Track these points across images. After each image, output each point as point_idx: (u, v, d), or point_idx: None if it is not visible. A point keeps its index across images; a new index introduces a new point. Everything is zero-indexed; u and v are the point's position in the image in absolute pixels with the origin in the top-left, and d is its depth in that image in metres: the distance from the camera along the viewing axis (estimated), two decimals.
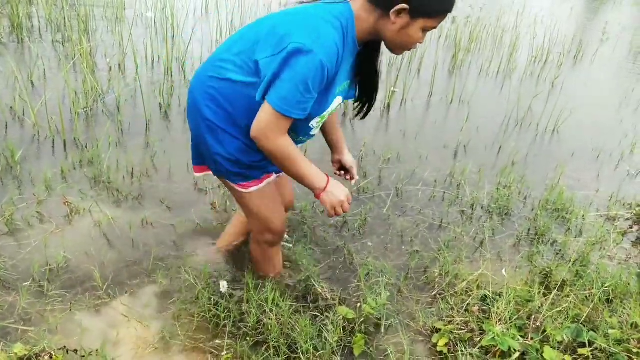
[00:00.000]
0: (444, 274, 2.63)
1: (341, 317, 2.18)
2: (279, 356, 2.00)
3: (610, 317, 2.33)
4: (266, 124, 1.67)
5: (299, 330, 2.08)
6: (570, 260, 2.89)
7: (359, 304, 2.28)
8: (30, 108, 3.61)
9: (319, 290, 2.38)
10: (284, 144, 1.72)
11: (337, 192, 1.87)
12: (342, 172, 2.26)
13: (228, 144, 1.86)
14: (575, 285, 2.56)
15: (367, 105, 2.00)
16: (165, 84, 4.52)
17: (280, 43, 1.62)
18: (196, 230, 2.75)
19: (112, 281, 2.31)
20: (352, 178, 2.24)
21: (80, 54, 4.61)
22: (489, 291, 2.46)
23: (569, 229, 3.25)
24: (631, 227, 3.36)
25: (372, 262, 2.63)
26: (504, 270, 2.49)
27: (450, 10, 1.70)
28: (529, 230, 3.18)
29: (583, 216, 3.39)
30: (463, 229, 3.09)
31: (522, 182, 3.72)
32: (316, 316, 2.22)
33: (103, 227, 2.66)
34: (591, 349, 2.08)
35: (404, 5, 1.62)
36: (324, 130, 2.22)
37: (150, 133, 3.69)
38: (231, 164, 1.91)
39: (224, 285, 2.30)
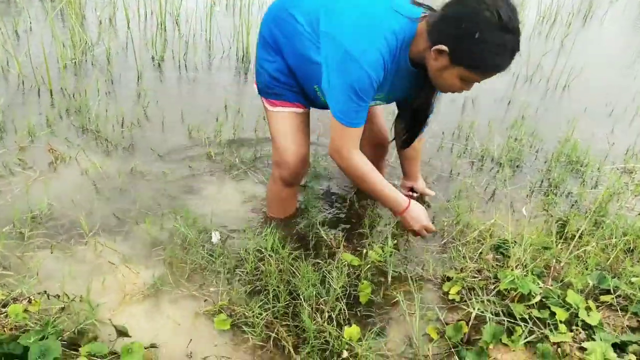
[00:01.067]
0: (454, 223, 2.47)
1: (345, 263, 2.03)
2: (279, 302, 1.85)
3: (632, 265, 2.18)
4: (337, 140, 1.82)
5: (300, 276, 1.92)
6: (587, 211, 2.73)
7: (364, 250, 2.12)
8: (14, 58, 3.40)
9: (323, 235, 2.22)
10: (356, 164, 1.85)
11: (418, 215, 1.98)
12: (412, 194, 2.32)
13: (271, 63, 1.98)
14: (594, 234, 2.40)
15: (411, 135, 2.09)
16: (159, 38, 4.29)
17: (335, 34, 1.70)
18: (189, 179, 2.58)
19: (99, 228, 2.15)
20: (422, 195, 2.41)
21: (68, 6, 4.38)
22: (503, 240, 2.30)
23: (584, 181, 3.08)
24: None
25: (378, 211, 2.47)
26: (524, 209, 2.33)
27: (497, 71, 1.60)
28: (542, 181, 3.00)
29: (598, 168, 3.21)
30: (473, 179, 2.92)
31: (533, 135, 3.53)
32: (318, 263, 2.06)
33: (90, 175, 2.49)
34: (614, 295, 1.92)
35: (444, 47, 1.57)
36: (402, 154, 2.37)
37: (142, 84, 3.49)
38: (270, 78, 2.00)
39: (215, 236, 2.14)
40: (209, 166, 2.70)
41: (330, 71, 1.72)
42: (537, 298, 1.69)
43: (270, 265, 1.95)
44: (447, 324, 1.88)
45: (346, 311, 1.87)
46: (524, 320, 1.69)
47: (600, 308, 1.90)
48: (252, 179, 2.65)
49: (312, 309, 1.81)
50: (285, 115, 2.05)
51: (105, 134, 2.83)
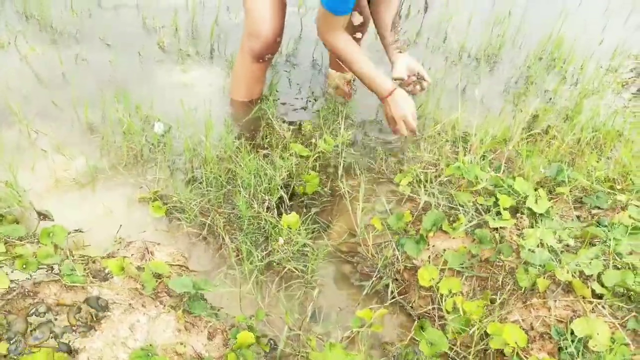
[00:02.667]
0: (417, 117, 2.34)
1: (293, 153, 1.93)
2: (218, 189, 1.77)
3: (598, 161, 2.08)
4: (324, 25, 1.84)
5: (242, 165, 1.83)
6: (561, 107, 2.60)
7: (313, 140, 2.02)
8: None
9: (275, 126, 2.10)
10: (342, 47, 1.86)
11: (402, 103, 1.86)
12: (410, 79, 2.00)
13: None
14: (562, 130, 2.28)
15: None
16: None
17: None
18: (137, 68, 2.43)
19: (34, 115, 2.02)
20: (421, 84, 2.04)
21: None
22: (465, 133, 2.19)
23: (564, 78, 2.91)
24: (633, 78, 3.02)
25: (337, 104, 2.33)
26: (476, 91, 2.19)
27: None
28: (518, 79, 2.84)
29: (582, 67, 3.03)
30: (446, 75, 2.75)
31: (518, 31, 3.30)
32: (267, 156, 1.96)
33: (30, 61, 2.33)
34: (571, 187, 1.84)
35: None
36: (377, 27, 2.08)
37: None
38: None
39: (159, 126, 2.02)
40: (159, 56, 2.53)
41: None
42: (482, 184, 1.60)
43: (210, 153, 1.84)
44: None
45: (287, 200, 1.80)
46: (466, 209, 1.62)
47: (555, 200, 1.82)
48: (206, 70, 2.49)
49: (250, 195, 1.74)
50: None
51: (50, 20, 2.63)
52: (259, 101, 2.24)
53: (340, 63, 1.96)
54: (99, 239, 1.61)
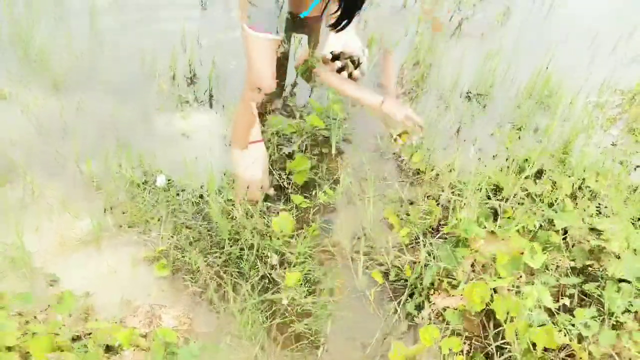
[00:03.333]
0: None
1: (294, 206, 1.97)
2: (222, 248, 1.80)
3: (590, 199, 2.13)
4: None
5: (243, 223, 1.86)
6: (552, 148, 2.66)
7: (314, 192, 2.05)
8: None
9: (275, 176, 2.13)
10: (323, 76, 1.74)
11: (397, 105, 1.75)
12: (339, 63, 1.77)
13: None
14: (554, 172, 2.34)
15: (346, 15, 1.54)
16: None
17: None
18: (139, 116, 2.46)
19: (37, 170, 2.05)
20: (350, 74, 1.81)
21: None
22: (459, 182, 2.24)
23: (555, 115, 2.98)
24: (620, 114, 3.10)
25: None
26: (472, 148, 2.15)
27: None
28: (511, 117, 2.91)
29: (571, 102, 3.11)
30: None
31: (509, 68, 3.37)
32: (268, 208, 2.00)
33: (31, 111, 2.36)
34: (565, 235, 1.89)
35: None
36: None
37: (97, 10, 3.24)
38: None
39: (161, 179, 2.05)
40: (159, 102, 2.57)
41: None
42: (480, 243, 1.65)
43: (211, 209, 1.88)
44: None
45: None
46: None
47: (549, 249, 1.88)
48: (205, 117, 2.53)
49: (254, 255, 1.77)
50: (260, 41, 1.80)
51: (49, 64, 2.66)
52: None
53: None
54: (105, 300, 1.64)
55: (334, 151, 1.85)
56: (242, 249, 1.75)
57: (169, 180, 2.09)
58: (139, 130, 2.37)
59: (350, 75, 1.70)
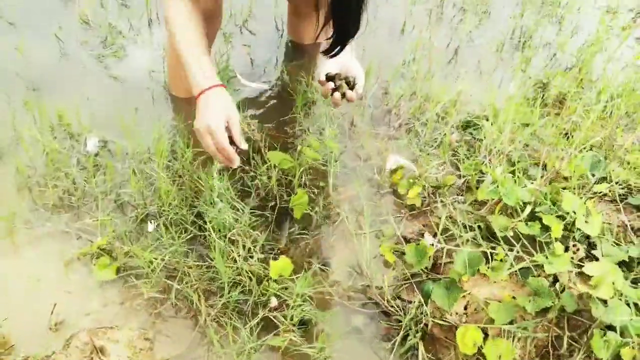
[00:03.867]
0: (409, 94, 1.94)
1: (272, 167, 1.52)
2: (179, 234, 1.36)
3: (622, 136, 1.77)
4: None
5: (205, 187, 1.41)
6: (568, 67, 2.26)
7: (298, 147, 1.61)
8: None
9: (244, 129, 1.67)
10: (170, 17, 1.31)
11: (212, 108, 1.21)
12: (331, 84, 1.37)
13: None
14: (580, 99, 1.95)
15: (334, 44, 1.30)
16: None
17: None
18: (55, 56, 1.88)
19: None
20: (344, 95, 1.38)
21: None
22: (471, 115, 1.83)
23: (562, 26, 2.55)
24: (634, 19, 2.69)
25: (313, 87, 1.89)
26: (511, 85, 1.81)
27: None
28: (513, 31, 2.45)
29: (579, 9, 2.67)
30: (431, 32, 2.33)
31: None
32: (237, 172, 1.55)
33: None
34: (610, 184, 1.53)
35: None
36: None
37: None
38: None
39: (92, 142, 1.55)
40: (82, 35, 1.98)
41: None
42: (527, 210, 1.26)
43: (163, 181, 1.41)
44: (406, 239, 1.46)
45: (264, 237, 1.41)
46: (506, 240, 1.28)
47: (592, 200, 1.51)
48: (144, 52, 1.97)
49: (226, 241, 1.33)
50: None
51: None
52: None
53: None
54: (25, 329, 1.19)
55: (331, 186, 1.58)
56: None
57: (103, 143, 1.58)
58: (56, 75, 1.81)
59: (343, 95, 1.38)
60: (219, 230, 1.35)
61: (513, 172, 1.51)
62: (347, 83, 1.39)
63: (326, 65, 1.41)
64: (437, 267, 1.36)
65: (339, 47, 1.31)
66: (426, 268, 1.32)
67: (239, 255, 1.31)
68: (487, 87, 2.05)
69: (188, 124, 1.68)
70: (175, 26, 1.31)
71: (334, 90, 1.38)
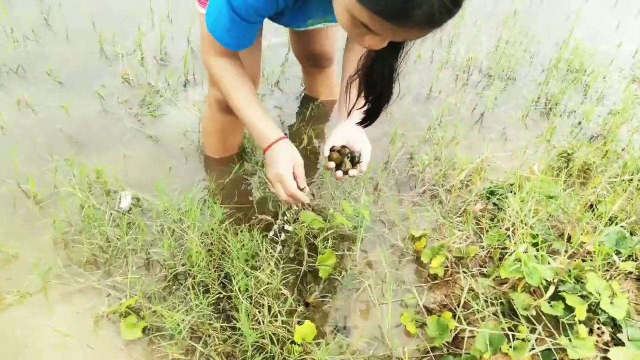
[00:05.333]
0: (434, 160, 1.98)
1: (303, 226, 1.56)
2: (207, 293, 1.39)
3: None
4: (203, 43, 1.37)
5: (234, 251, 1.45)
6: (593, 137, 2.28)
7: (330, 210, 1.65)
8: None
9: (272, 191, 1.72)
10: (216, 66, 1.37)
11: (279, 157, 1.32)
12: (333, 163, 1.42)
13: None
14: (605, 170, 1.96)
15: (372, 112, 1.34)
16: None
17: None
18: (96, 115, 1.99)
19: None
20: (346, 172, 1.42)
21: None
22: (495, 185, 1.85)
23: (587, 94, 2.58)
24: None
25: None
26: (535, 166, 1.84)
27: (393, 20, 0.93)
28: (538, 98, 2.50)
29: (604, 77, 2.71)
30: (458, 98, 2.39)
31: (528, 36, 2.95)
32: (266, 230, 1.59)
33: None
34: (637, 262, 1.52)
35: None
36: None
37: None
38: None
39: (126, 200, 1.62)
40: (124, 94, 2.09)
41: None
42: (551, 291, 1.26)
43: (193, 242, 1.46)
44: (428, 309, 1.46)
45: (293, 299, 1.43)
46: (528, 319, 1.28)
47: (617, 278, 1.50)
48: (179, 112, 2.07)
49: (251, 302, 1.36)
50: None
51: None
52: (239, 156, 1.87)
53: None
54: None
55: (357, 252, 1.61)
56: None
57: (135, 200, 1.65)
58: (96, 132, 1.91)
59: (346, 172, 1.42)
60: (246, 290, 1.38)
61: (536, 244, 1.52)
62: (352, 158, 1.41)
63: (333, 138, 1.45)
64: (458, 340, 1.36)
65: (372, 117, 1.35)
66: (447, 342, 1.32)
67: (264, 317, 1.33)
68: (511, 155, 2.07)
69: (219, 184, 1.76)
70: (229, 87, 1.38)
71: (338, 167, 1.41)
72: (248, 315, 1.32)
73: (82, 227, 1.54)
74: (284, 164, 1.31)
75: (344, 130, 1.45)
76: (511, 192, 1.75)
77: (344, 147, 1.44)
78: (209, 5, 1.28)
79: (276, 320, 1.35)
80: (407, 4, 0.88)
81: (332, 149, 1.43)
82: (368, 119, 1.37)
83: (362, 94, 1.32)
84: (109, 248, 1.51)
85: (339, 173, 1.41)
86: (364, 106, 1.34)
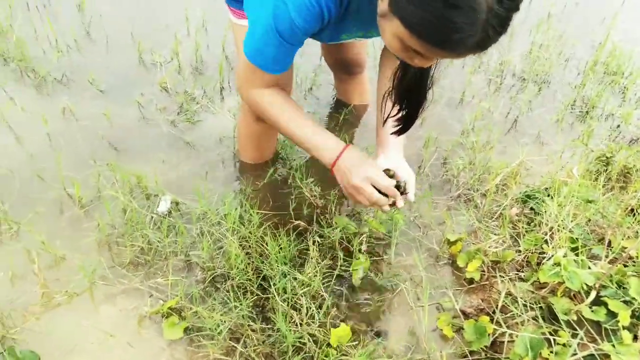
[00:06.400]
0: (468, 165, 1.97)
1: (338, 230, 1.58)
2: (245, 294, 1.42)
3: None
4: (241, 76, 1.40)
5: (272, 254, 1.48)
6: (633, 140, 2.23)
7: (364, 217, 1.66)
8: None
9: (305, 193, 1.75)
10: (261, 106, 1.40)
11: (355, 168, 1.32)
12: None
13: None
14: None
15: (405, 122, 1.37)
16: None
17: None
18: (136, 121, 2.05)
19: (15, 199, 1.66)
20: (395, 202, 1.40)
21: None
22: (532, 189, 1.83)
23: (625, 97, 2.53)
24: None
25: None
26: (575, 170, 1.82)
27: (441, 46, 0.96)
28: (574, 101, 2.46)
29: None
30: (491, 103, 2.38)
31: (562, 39, 2.92)
32: (301, 234, 1.62)
33: (8, 121, 1.96)
34: None
35: None
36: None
37: None
38: None
39: (164, 204, 1.66)
40: (162, 101, 2.15)
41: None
42: (592, 296, 1.25)
43: (232, 245, 1.49)
44: (464, 314, 1.46)
45: (329, 301, 1.44)
46: (569, 324, 1.26)
47: None
48: (215, 119, 2.11)
49: (289, 304, 1.38)
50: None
51: (32, 62, 2.25)
52: (273, 161, 1.91)
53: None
54: None
55: (392, 256, 1.62)
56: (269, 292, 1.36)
57: (174, 204, 1.70)
58: (136, 138, 1.96)
59: (393, 204, 1.39)
60: (284, 292, 1.40)
61: (575, 249, 1.50)
62: (397, 187, 1.37)
63: (379, 163, 1.43)
64: (496, 345, 1.35)
65: (407, 124, 1.37)
66: (485, 346, 1.31)
67: (302, 320, 1.35)
68: (547, 159, 2.05)
69: (255, 189, 1.79)
70: (272, 114, 1.40)
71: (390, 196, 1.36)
72: (285, 316, 1.34)
73: (124, 230, 1.59)
74: (356, 175, 1.31)
75: (387, 161, 1.44)
76: (548, 196, 1.73)
77: (387, 170, 1.40)
78: (247, 38, 1.30)
79: (313, 322, 1.36)
80: (462, 34, 0.90)
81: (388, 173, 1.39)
82: (403, 127, 1.38)
83: (397, 103, 1.33)
84: (150, 250, 1.55)
85: (386, 208, 1.37)
86: (397, 113, 1.35)
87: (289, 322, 1.35)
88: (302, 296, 1.40)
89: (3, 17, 2.46)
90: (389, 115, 1.38)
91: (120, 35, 2.50)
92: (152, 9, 2.75)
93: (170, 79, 2.26)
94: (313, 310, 1.38)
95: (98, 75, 2.23)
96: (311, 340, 1.33)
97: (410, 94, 1.30)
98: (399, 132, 1.39)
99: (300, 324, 1.35)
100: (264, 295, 1.44)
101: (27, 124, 1.95)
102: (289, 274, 1.44)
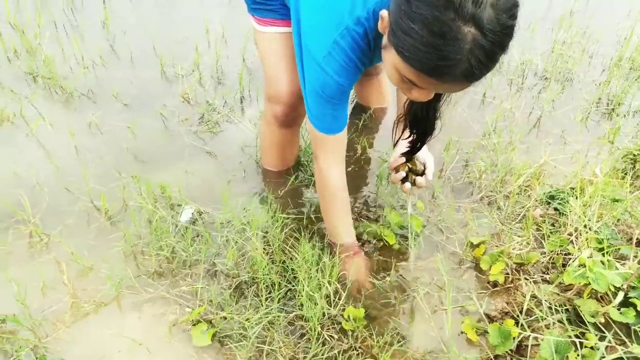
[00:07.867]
0: (490, 166, 1.95)
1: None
2: (271, 298, 1.44)
3: None
4: (315, 146, 1.46)
5: (298, 260, 1.49)
6: None
7: (380, 217, 1.67)
8: None
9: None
10: (330, 183, 1.48)
11: (360, 269, 1.54)
12: (402, 173, 1.53)
13: None
14: None
15: (412, 147, 1.48)
16: None
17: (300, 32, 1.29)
18: (160, 133, 2.10)
19: (45, 214, 1.71)
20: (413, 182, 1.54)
21: None
22: (555, 190, 1.80)
23: None
24: None
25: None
26: (597, 169, 1.79)
27: (436, 77, 1.01)
28: (599, 99, 2.41)
29: None
30: (512, 103, 2.35)
31: (585, 35, 2.87)
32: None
33: (37, 135, 2.02)
34: None
35: (385, 13, 1.08)
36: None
37: (109, 11, 2.89)
38: None
39: (187, 214, 1.69)
40: (184, 113, 2.19)
41: (299, 51, 1.33)
42: (620, 297, 1.22)
43: (256, 250, 1.51)
44: (489, 317, 1.44)
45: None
46: (597, 327, 1.24)
47: None
48: (236, 128, 2.15)
49: (317, 317, 1.39)
50: (277, 37, 1.57)
51: (58, 79, 2.32)
52: (295, 168, 1.93)
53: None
54: None
55: (412, 261, 1.63)
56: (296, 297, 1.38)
57: (198, 213, 1.73)
58: (159, 150, 2.01)
59: (413, 183, 1.53)
60: (310, 296, 1.41)
61: (602, 250, 1.47)
62: (415, 169, 1.50)
63: (398, 150, 1.53)
64: (522, 349, 1.33)
65: (416, 149, 1.47)
66: (510, 350, 1.30)
67: (323, 307, 1.36)
68: (571, 159, 2.02)
69: (277, 195, 1.81)
70: (333, 194, 1.50)
71: (404, 179, 1.51)
72: (314, 332, 1.35)
73: (149, 240, 1.62)
74: (364, 276, 1.54)
75: (407, 144, 1.50)
76: (573, 196, 1.70)
77: (406, 163, 1.53)
78: (307, 106, 1.38)
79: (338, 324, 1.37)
80: (447, 62, 0.95)
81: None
82: (411, 151, 1.47)
83: (407, 129, 1.42)
84: (174, 259, 1.58)
85: (407, 186, 1.51)
86: (409, 137, 1.44)
87: (314, 305, 1.37)
88: (321, 298, 1.41)
89: (32, 36, 2.54)
90: (400, 137, 1.48)
91: (143, 50, 2.56)
92: (173, 23, 2.81)
93: (191, 91, 2.30)
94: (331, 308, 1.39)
95: (122, 89, 2.29)
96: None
97: (417, 124, 1.39)
98: (408, 154, 1.48)
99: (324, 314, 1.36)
100: (290, 299, 1.46)
101: (55, 139, 2.01)
102: (315, 276, 1.45)
